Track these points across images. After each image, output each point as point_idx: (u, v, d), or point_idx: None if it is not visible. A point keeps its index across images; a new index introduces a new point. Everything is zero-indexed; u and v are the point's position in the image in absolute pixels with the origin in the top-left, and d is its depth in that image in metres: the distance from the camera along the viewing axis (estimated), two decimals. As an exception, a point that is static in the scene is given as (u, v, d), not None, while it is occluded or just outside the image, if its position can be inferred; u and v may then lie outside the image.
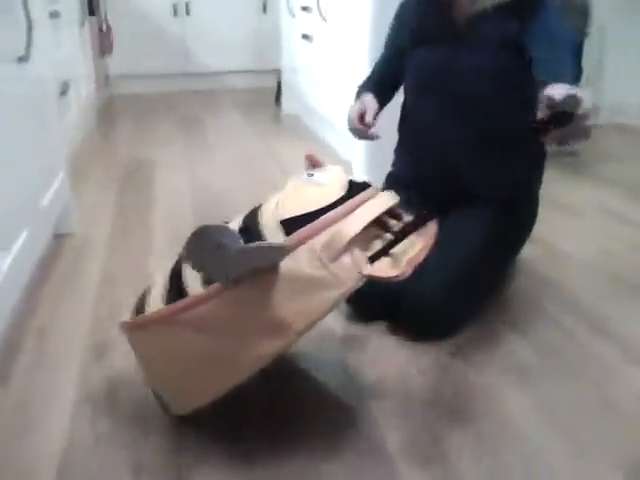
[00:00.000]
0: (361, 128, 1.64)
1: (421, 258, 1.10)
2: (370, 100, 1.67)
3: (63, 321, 1.58)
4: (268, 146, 3.24)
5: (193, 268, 1.07)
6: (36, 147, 1.78)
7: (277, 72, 4.20)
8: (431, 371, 1.35)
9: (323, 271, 1.01)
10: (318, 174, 1.21)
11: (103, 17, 4.27)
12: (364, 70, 2.47)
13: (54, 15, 2.73)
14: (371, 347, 1.45)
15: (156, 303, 1.11)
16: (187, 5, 4.69)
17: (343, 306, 1.57)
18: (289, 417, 1.22)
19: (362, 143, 2.54)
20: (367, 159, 2.54)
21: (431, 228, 1.18)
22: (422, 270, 1.46)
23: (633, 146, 3.23)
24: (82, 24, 3.60)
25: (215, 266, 1.02)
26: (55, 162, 2.01)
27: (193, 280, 1.08)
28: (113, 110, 4.25)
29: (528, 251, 1.80)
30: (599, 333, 1.49)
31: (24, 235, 1.52)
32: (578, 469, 1.08)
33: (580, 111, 1.15)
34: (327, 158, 1.25)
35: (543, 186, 1.70)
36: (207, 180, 2.68)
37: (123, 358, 1.40)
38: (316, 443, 1.15)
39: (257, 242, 1.03)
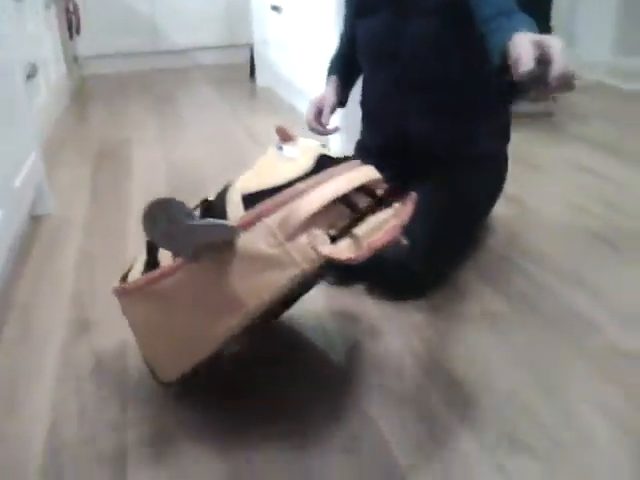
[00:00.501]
0: (318, 128, 1.70)
1: (383, 241, 1.00)
2: (328, 96, 1.73)
3: (44, 298, 1.59)
4: (243, 121, 3.23)
5: (148, 240, 1.07)
6: (4, 129, 1.77)
7: (249, 46, 4.18)
8: (403, 327, 1.38)
9: (277, 249, 0.96)
10: (288, 148, 1.17)
11: (69, -3, 4.20)
12: (333, 39, 2.47)
13: (17, -4, 2.69)
14: (348, 307, 1.47)
15: (137, 272, 1.13)
16: (155, -19, 4.63)
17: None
18: (274, 385, 1.25)
19: (338, 115, 2.55)
20: (342, 130, 2.55)
21: (406, 209, 1.10)
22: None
23: (604, 104, 3.26)
24: (48, 6, 3.55)
25: (167, 240, 1.02)
26: (26, 143, 2.00)
27: (165, 253, 1.09)
28: (85, 91, 4.20)
29: (500, 209, 1.82)
30: (571, 284, 1.52)
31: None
32: (555, 406, 1.11)
33: (560, 64, 1.05)
34: (304, 131, 1.25)
35: (515, 146, 1.72)
36: (183, 157, 2.67)
37: (104, 333, 1.42)
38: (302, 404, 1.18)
39: (207, 219, 1.00)
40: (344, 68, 1.81)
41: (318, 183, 1.02)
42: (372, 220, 1.05)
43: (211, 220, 1.00)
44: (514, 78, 1.09)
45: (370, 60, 1.67)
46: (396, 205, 1.13)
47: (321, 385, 1.22)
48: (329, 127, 1.72)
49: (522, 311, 1.42)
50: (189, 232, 0.98)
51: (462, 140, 1.62)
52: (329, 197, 1.01)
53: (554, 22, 2.86)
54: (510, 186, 1.73)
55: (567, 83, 1.08)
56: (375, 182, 1.13)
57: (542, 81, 1.08)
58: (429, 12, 1.50)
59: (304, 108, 3.35)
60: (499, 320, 1.39)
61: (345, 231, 1.01)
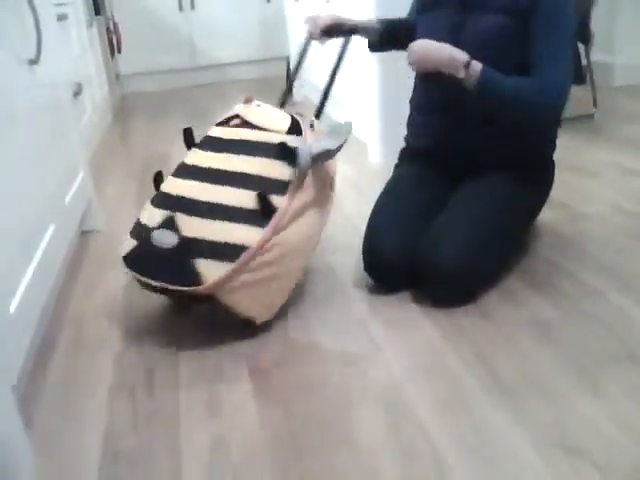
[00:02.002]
0: (311, 23, 1.80)
1: None
2: (350, 18, 1.80)
3: (96, 311, 1.63)
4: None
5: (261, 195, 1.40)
6: (55, 147, 1.82)
7: (286, 59, 4.22)
8: (455, 336, 1.37)
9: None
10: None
11: (110, 16, 4.30)
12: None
13: (62, 17, 2.77)
14: (394, 315, 1.47)
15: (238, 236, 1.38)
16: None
17: (366, 278, 1.60)
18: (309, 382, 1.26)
19: (377, 124, 2.56)
20: (382, 139, 2.56)
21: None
22: (440, 236, 1.50)
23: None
24: (90, 25, 3.64)
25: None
26: (75, 161, 2.06)
27: (280, 199, 1.41)
28: (126, 108, 4.30)
29: (547, 214, 1.81)
30: (620, 289, 1.50)
31: (51, 230, 1.57)
32: (606, 410, 1.10)
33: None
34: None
35: (560, 150, 1.70)
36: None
37: (156, 344, 1.45)
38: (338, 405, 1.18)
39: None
40: (391, 23, 1.85)
41: None
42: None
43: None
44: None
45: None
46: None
47: (369, 390, 1.22)
48: (317, 33, 1.79)
49: (571, 316, 1.41)
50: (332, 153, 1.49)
51: (518, 147, 1.61)
52: None
53: (594, 26, 2.83)
54: (555, 190, 1.72)
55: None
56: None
57: None
58: (496, 10, 1.53)
59: (342, 119, 3.37)
60: (548, 324, 1.38)
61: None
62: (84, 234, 2.12)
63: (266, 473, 1.05)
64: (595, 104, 3.00)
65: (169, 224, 1.40)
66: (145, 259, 1.41)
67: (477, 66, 1.49)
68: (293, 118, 1.54)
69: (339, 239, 1.91)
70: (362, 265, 1.60)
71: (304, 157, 1.43)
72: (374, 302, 1.54)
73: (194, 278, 1.33)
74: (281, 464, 1.07)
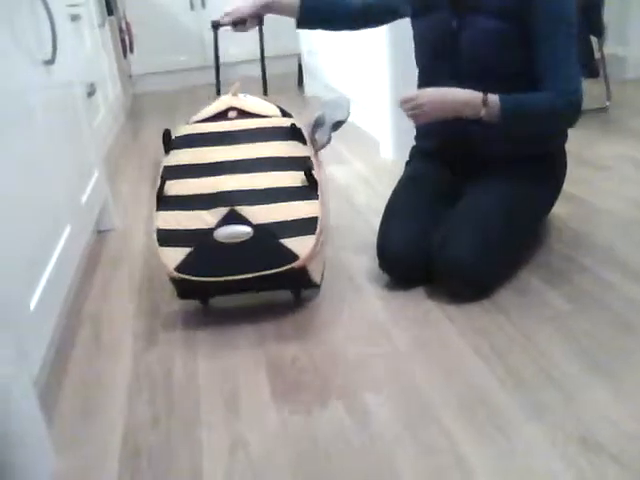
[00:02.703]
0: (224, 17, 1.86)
1: None
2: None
3: (112, 310, 1.64)
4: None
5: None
6: (70, 147, 1.84)
7: (297, 56, 4.22)
8: (470, 331, 1.38)
9: None
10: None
11: (122, 16, 4.33)
12: (382, 46, 2.49)
13: (75, 18, 2.78)
14: (409, 311, 1.48)
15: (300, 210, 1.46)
16: (202, -2, 4.73)
17: (382, 275, 1.60)
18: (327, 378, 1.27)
19: (389, 120, 2.56)
20: (394, 136, 2.56)
21: None
22: (454, 233, 1.50)
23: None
24: (102, 25, 3.66)
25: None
26: (90, 161, 2.07)
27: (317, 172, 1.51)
28: (139, 108, 4.32)
29: (561, 208, 1.80)
30: (636, 281, 1.49)
31: (68, 230, 1.58)
32: (624, 403, 1.10)
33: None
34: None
35: (573, 144, 1.70)
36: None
37: (172, 343, 1.46)
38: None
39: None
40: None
41: None
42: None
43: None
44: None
45: (430, 58, 1.67)
46: None
47: (385, 386, 1.23)
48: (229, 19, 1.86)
49: (588, 309, 1.41)
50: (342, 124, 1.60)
51: (527, 140, 1.61)
52: None
53: (607, 19, 2.82)
54: (569, 184, 1.71)
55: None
56: None
57: None
58: (488, 13, 1.51)
59: (353, 116, 3.37)
60: (565, 319, 1.38)
61: None
62: (100, 233, 2.14)
63: (285, 472, 1.06)
64: (609, 97, 2.99)
65: (233, 219, 1.42)
66: (216, 259, 1.43)
67: (494, 98, 1.48)
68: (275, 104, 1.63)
69: (353, 236, 1.91)
70: (376, 262, 1.61)
71: (326, 131, 1.54)
72: (389, 298, 1.55)
73: (290, 256, 1.42)
74: (300, 463, 1.07)
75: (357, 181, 2.40)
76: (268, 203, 1.44)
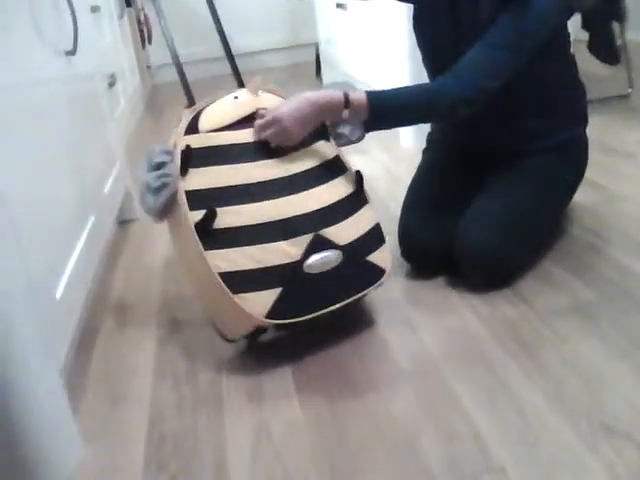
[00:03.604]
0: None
1: None
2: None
3: (136, 299, 1.66)
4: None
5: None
6: (92, 139, 1.86)
7: (315, 45, 4.21)
8: (492, 320, 1.38)
9: None
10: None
11: (140, 7, 4.34)
12: (401, 34, 2.47)
13: (94, 9, 2.80)
14: (431, 300, 1.48)
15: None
16: (220, -12, 4.73)
17: (404, 264, 1.60)
18: (349, 365, 1.27)
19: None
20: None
21: None
22: (476, 221, 1.49)
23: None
24: (121, 16, 3.68)
25: None
26: (112, 152, 2.09)
27: None
28: (157, 99, 4.34)
29: (583, 195, 1.79)
30: (661, 270, 1.48)
31: (91, 220, 1.60)
32: (648, 400, 1.10)
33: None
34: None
35: (595, 131, 1.68)
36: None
37: (196, 329, 1.48)
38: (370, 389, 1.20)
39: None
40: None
41: None
42: None
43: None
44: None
45: (433, 66, 1.66)
46: None
47: (408, 375, 1.24)
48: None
49: (611, 298, 1.40)
50: None
51: (539, 132, 1.59)
52: None
53: (628, 4, 2.77)
54: (591, 172, 1.70)
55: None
56: None
57: None
58: (489, 19, 1.43)
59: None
60: (588, 308, 1.37)
61: None
62: (121, 223, 2.16)
63: (309, 457, 1.07)
64: (631, 84, 2.95)
65: (319, 245, 1.27)
66: (311, 294, 1.27)
67: (359, 96, 1.35)
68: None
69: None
70: (398, 250, 1.61)
71: (357, 125, 1.41)
72: (411, 287, 1.55)
73: (378, 271, 1.37)
74: (324, 448, 1.08)
75: (378, 170, 2.40)
76: (341, 220, 1.32)
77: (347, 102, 1.35)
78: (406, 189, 1.69)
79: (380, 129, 1.43)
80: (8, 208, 1.06)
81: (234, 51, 1.69)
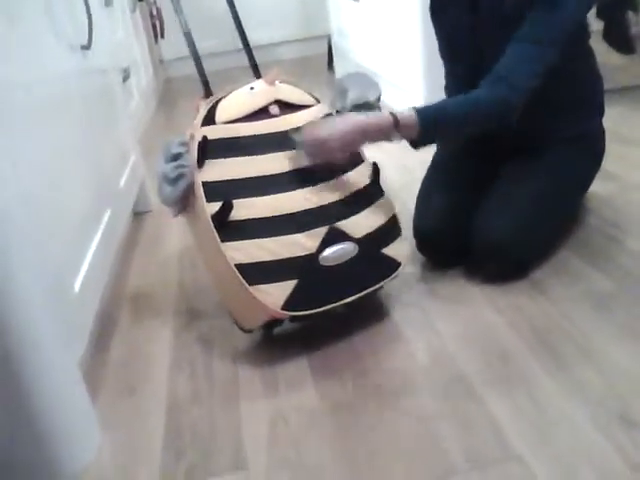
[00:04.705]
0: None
1: None
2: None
3: (152, 290, 1.68)
4: (325, 111, 3.26)
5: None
6: (108, 132, 1.87)
7: (327, 37, 4.20)
8: (508, 310, 1.37)
9: None
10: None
11: (152, 1, 4.34)
12: (415, 25, 2.46)
13: (108, 3, 2.81)
14: (446, 291, 1.48)
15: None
16: (232, -19, 4.72)
17: (418, 255, 1.60)
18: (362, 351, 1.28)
19: (423, 101, 2.54)
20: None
21: None
22: (492, 211, 1.49)
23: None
24: (133, 10, 3.69)
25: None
26: (127, 145, 2.10)
27: None
28: (170, 93, 4.35)
29: (599, 186, 1.78)
30: (678, 260, 1.47)
31: (108, 213, 1.61)
32: (666, 389, 1.09)
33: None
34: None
35: (611, 121, 1.67)
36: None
37: (211, 319, 1.49)
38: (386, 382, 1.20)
39: None
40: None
41: None
42: None
43: None
44: None
45: (451, 55, 1.65)
46: None
47: (424, 364, 1.24)
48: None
49: (627, 289, 1.39)
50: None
51: (559, 124, 1.58)
52: None
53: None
54: (607, 161, 1.69)
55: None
56: None
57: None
58: (508, 8, 1.44)
59: (385, 96, 3.34)
60: (604, 298, 1.37)
61: None
62: (136, 215, 2.17)
63: (326, 443, 1.07)
64: (646, 74, 2.92)
65: (334, 237, 1.27)
66: (325, 286, 1.27)
67: (408, 115, 1.33)
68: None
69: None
70: (413, 242, 1.60)
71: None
72: (426, 278, 1.55)
73: (393, 264, 1.37)
74: (341, 434, 1.09)
75: (391, 162, 2.39)
76: (357, 212, 1.32)
77: (397, 123, 1.33)
78: (421, 181, 1.69)
79: (428, 144, 1.43)
80: (26, 202, 1.07)
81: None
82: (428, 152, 1.77)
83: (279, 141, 1.30)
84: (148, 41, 4.08)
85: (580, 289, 1.41)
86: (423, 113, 1.35)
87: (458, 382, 1.18)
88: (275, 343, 1.37)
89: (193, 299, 1.60)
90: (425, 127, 1.35)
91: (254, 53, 1.64)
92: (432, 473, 0.99)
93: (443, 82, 1.76)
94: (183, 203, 1.33)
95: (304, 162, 1.30)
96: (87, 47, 1.76)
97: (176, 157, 1.31)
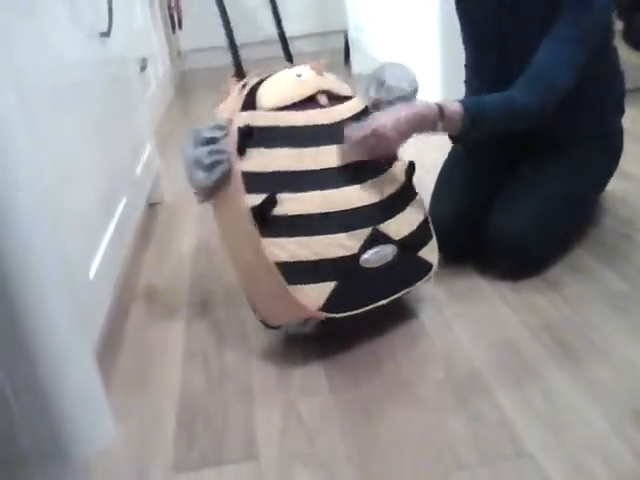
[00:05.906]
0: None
1: None
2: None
3: (166, 281, 1.68)
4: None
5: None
6: (124, 121, 1.87)
7: (343, 32, 4.19)
8: (522, 308, 1.37)
9: None
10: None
11: (170, -7, 4.35)
12: (433, 19, 2.45)
13: (127, -7, 2.82)
14: (460, 287, 1.47)
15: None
16: (251, -27, 4.71)
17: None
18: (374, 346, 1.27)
19: (440, 95, 2.53)
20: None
21: None
22: (508, 208, 1.48)
23: None
24: (152, 1, 3.69)
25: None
26: (143, 134, 2.11)
27: None
28: (187, 84, 4.35)
29: (615, 185, 1.76)
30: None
31: (123, 202, 1.62)
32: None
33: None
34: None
35: (628, 120, 1.66)
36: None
37: (224, 311, 1.49)
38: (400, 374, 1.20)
39: None
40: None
41: None
42: None
43: None
44: None
45: (476, 46, 1.64)
46: None
47: (436, 359, 1.24)
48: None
49: (642, 288, 1.38)
50: None
51: (580, 123, 1.57)
52: None
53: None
54: (624, 161, 1.67)
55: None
56: None
57: None
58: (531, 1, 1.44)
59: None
60: (620, 298, 1.36)
61: None
62: (151, 205, 2.18)
63: (338, 436, 1.08)
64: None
65: (376, 239, 1.24)
66: (364, 288, 1.25)
67: (454, 107, 1.31)
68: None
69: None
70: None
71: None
72: (440, 275, 1.53)
73: (426, 266, 1.35)
74: (352, 428, 1.09)
75: (408, 155, 2.38)
76: (397, 213, 1.29)
77: (442, 113, 1.30)
78: (435, 173, 1.69)
79: (469, 139, 1.41)
80: (43, 190, 1.07)
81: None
82: (447, 148, 1.76)
83: (330, 133, 1.24)
84: (166, 32, 4.09)
85: (594, 288, 1.40)
86: (470, 105, 1.33)
87: (471, 378, 1.17)
88: (289, 336, 1.37)
89: (207, 289, 1.60)
90: (472, 122, 1.32)
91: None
92: (442, 468, 0.99)
93: (461, 76, 1.75)
94: (215, 190, 1.26)
95: (354, 157, 1.25)
96: (107, 34, 1.76)
97: (210, 141, 1.23)
